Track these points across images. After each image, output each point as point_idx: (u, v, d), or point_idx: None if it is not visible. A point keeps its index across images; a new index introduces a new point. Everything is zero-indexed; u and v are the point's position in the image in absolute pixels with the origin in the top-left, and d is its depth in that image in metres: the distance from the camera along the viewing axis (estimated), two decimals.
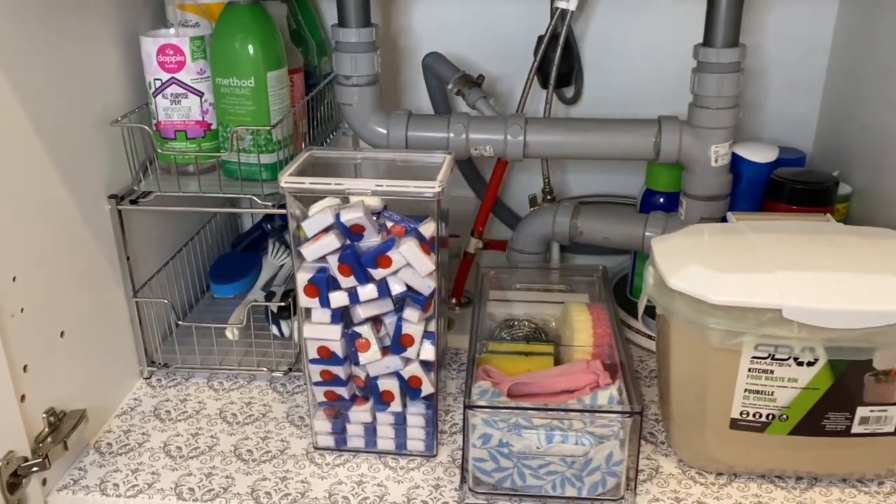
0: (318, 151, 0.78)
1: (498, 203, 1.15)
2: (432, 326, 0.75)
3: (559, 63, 0.99)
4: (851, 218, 0.97)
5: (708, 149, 0.86)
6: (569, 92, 1.09)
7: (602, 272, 0.95)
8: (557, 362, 0.85)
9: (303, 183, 0.69)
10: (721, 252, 0.73)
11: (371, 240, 0.72)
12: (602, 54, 1.09)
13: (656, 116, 0.89)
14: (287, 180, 0.70)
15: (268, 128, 0.82)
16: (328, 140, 1.05)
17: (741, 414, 0.71)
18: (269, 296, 0.97)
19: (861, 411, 0.70)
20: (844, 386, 0.69)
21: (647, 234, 0.94)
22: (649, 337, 0.97)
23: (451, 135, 0.89)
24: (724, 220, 0.86)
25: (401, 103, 1.14)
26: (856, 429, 0.71)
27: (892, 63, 0.89)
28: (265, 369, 0.93)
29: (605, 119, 0.90)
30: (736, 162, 0.90)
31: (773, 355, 0.68)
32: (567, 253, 1.17)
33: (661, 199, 0.99)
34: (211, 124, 0.87)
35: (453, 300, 1.10)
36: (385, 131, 0.90)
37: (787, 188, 0.89)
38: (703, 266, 0.70)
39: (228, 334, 0.94)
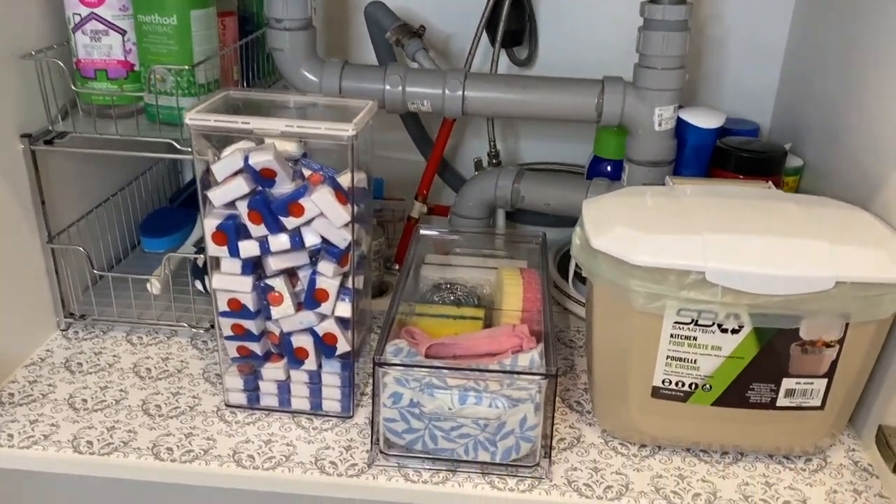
0: (235, 92, 0.74)
1: (446, 167, 1.12)
2: (350, 282, 0.72)
3: (507, 20, 0.95)
4: (801, 191, 0.94)
5: (652, 111, 0.83)
6: (522, 53, 1.05)
7: (542, 239, 0.92)
8: (488, 327, 0.82)
9: (208, 120, 0.66)
10: (650, 214, 0.70)
11: (284, 186, 0.69)
12: (559, 15, 1.05)
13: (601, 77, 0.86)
14: (192, 117, 0.66)
15: (187, 66, 0.78)
16: None
17: (663, 382, 0.69)
18: (201, 252, 0.93)
19: (787, 383, 0.67)
20: (770, 356, 0.66)
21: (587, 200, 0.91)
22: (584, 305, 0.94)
23: (387, 87, 0.86)
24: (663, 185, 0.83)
25: (350, 58, 1.10)
26: (781, 401, 0.68)
27: (852, 34, 0.86)
28: (186, 325, 0.89)
29: (546, 77, 0.87)
30: (681, 127, 0.87)
31: (697, 321, 0.65)
32: (518, 223, 1.14)
33: (608, 167, 0.96)
34: (134, 65, 0.83)
35: (396, 266, 1.07)
36: (317, 80, 0.86)
37: (733, 156, 0.86)
38: (629, 227, 0.67)
39: (149, 287, 0.90)
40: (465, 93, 0.85)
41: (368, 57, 1.05)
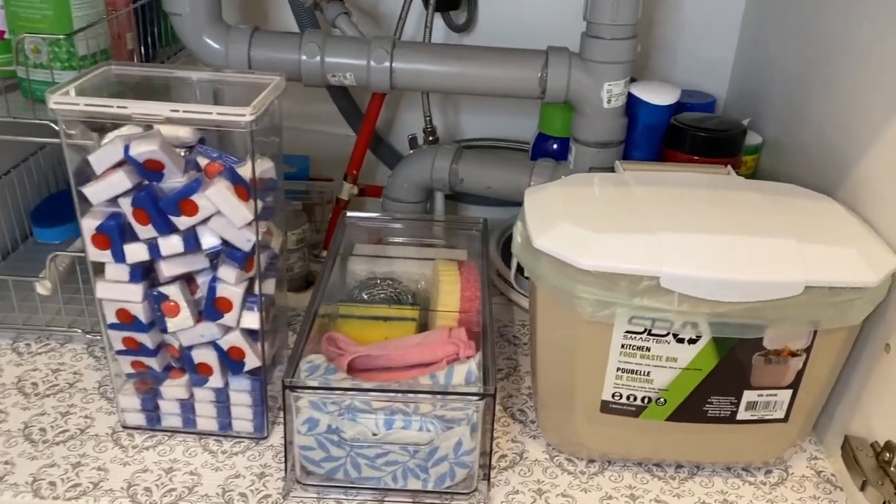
0: (118, 67, 0.63)
1: (380, 143, 1.02)
2: (257, 288, 0.63)
3: None
4: (761, 171, 0.87)
5: (600, 87, 0.75)
6: (459, 17, 0.95)
7: (482, 225, 0.83)
8: (423, 330, 0.73)
9: (76, 104, 0.55)
10: (599, 208, 0.62)
11: (175, 180, 0.59)
12: None
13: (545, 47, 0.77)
14: (56, 100, 0.55)
15: (61, 36, 0.67)
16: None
17: (613, 396, 0.61)
18: None
19: (748, 395, 0.61)
20: (730, 367, 0.59)
21: (531, 183, 0.82)
22: None
23: (304, 57, 0.75)
24: (612, 170, 0.75)
25: (267, 25, 0.99)
26: (742, 415, 0.61)
27: (811, 2, 0.79)
28: (79, 330, 0.78)
29: (484, 48, 0.77)
30: (632, 103, 0.78)
31: (650, 330, 0.58)
32: (459, 202, 1.05)
33: (555, 146, 0.88)
34: (3, 31, 0.71)
35: (325, 253, 0.98)
36: (222, 49, 0.75)
37: (689, 135, 0.78)
38: (575, 224, 0.58)
39: (40, 289, 0.79)
40: (394, 64, 0.75)
41: (289, 24, 0.94)
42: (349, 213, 0.84)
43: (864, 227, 0.61)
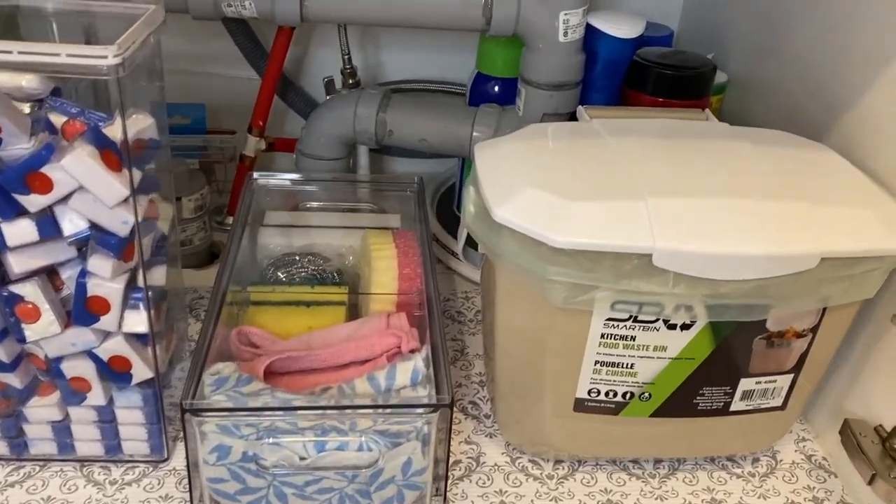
0: None
1: (289, 87, 0.87)
2: (142, 280, 0.49)
3: None
4: (725, 113, 0.78)
5: (555, 17, 0.62)
6: None
7: (417, 185, 0.71)
8: (354, 315, 0.62)
9: None
10: (570, 168, 0.50)
11: (18, 146, 0.44)
12: None
13: None
14: None
15: None
16: None
17: (590, 393, 0.52)
18: None
19: (745, 384, 0.52)
20: (727, 354, 0.50)
21: (475, 134, 0.70)
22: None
23: None
24: (573, 117, 0.64)
25: None
26: (736, 405, 0.53)
27: None
28: None
29: None
30: (591, 37, 0.67)
31: (636, 317, 0.48)
32: (387, 156, 0.92)
33: (496, 88, 0.76)
34: None
35: (229, 220, 0.83)
36: None
37: (653, 74, 0.68)
38: (544, 189, 0.47)
39: None
40: None
41: None
42: (256, 175, 0.70)
43: (870, 181, 0.52)
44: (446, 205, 0.87)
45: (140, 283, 0.49)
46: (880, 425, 0.54)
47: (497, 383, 0.57)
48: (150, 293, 0.49)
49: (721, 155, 0.52)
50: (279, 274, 0.65)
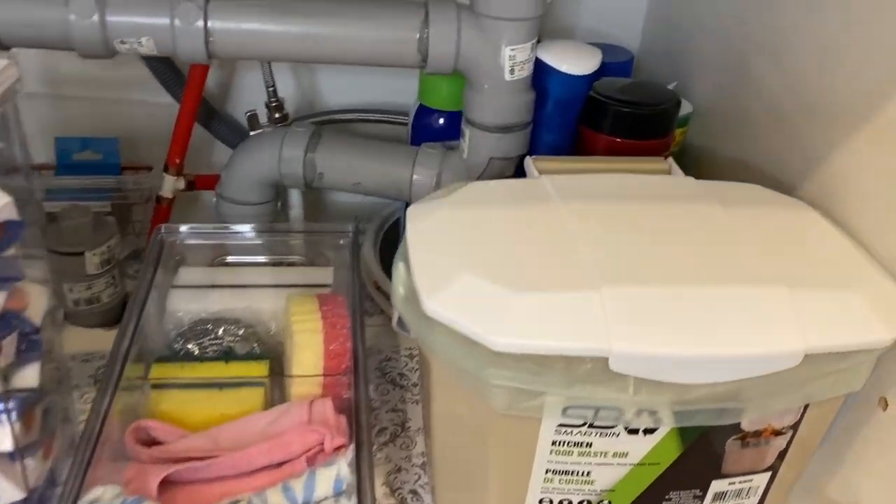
0: None
1: (213, 116, 0.78)
2: (7, 388, 0.41)
3: None
4: (690, 147, 0.72)
5: (500, 53, 0.55)
6: None
7: (352, 234, 0.63)
8: (275, 397, 0.54)
9: None
10: (513, 244, 0.43)
11: None
12: None
13: None
14: None
15: None
16: None
17: (541, 503, 0.45)
18: None
19: (717, 486, 0.45)
20: (697, 457, 0.43)
21: (415, 177, 0.63)
22: None
23: (73, 17, 0.51)
24: (520, 168, 0.56)
25: None
26: None
27: None
28: None
29: None
30: (542, 73, 0.59)
31: (592, 423, 0.41)
32: (327, 189, 0.84)
33: (441, 121, 0.68)
34: None
35: None
36: None
37: (611, 112, 0.61)
38: (482, 275, 0.40)
39: None
40: (210, 24, 0.53)
41: None
42: (166, 227, 0.62)
43: (855, 249, 0.45)
44: (392, 241, 0.80)
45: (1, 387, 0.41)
46: None
47: (436, 477, 0.50)
48: (14, 404, 0.41)
49: (687, 225, 0.45)
50: (189, 347, 0.57)
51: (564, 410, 0.40)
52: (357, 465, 0.44)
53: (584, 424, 0.41)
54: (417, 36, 0.55)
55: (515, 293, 0.39)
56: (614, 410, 0.40)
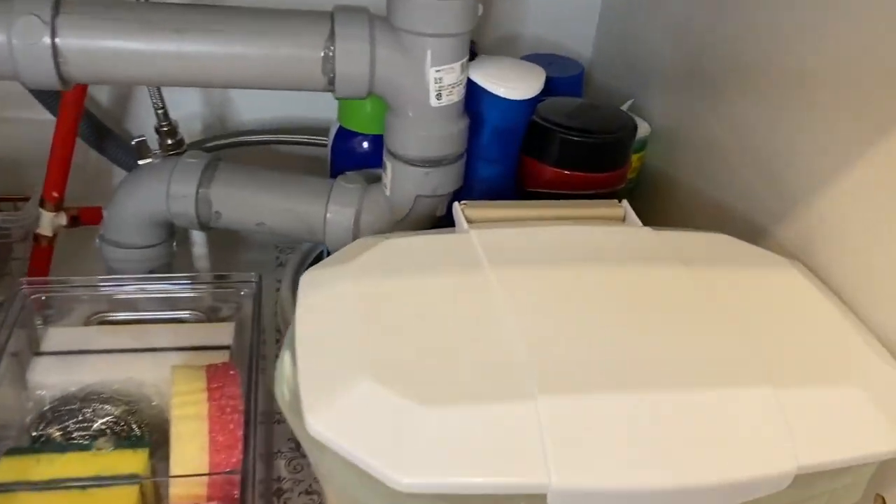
0: None
1: (108, 137, 0.67)
2: None
3: None
4: (648, 173, 0.63)
5: (423, 73, 0.46)
6: None
7: (255, 285, 0.53)
8: (161, 495, 0.44)
9: None
10: (427, 331, 0.34)
11: None
12: None
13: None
14: None
15: None
16: None
17: None
18: None
19: None
20: None
21: (329, 216, 0.53)
22: None
23: None
24: (447, 217, 0.47)
25: None
26: None
27: None
28: None
29: (224, 8, 0.45)
30: (476, 97, 0.50)
31: None
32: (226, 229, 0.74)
33: (366, 145, 0.59)
34: None
35: None
36: None
37: (558, 141, 0.52)
38: (385, 383, 0.31)
39: None
40: (59, 41, 0.42)
41: None
42: (27, 281, 0.51)
43: (846, 318, 0.37)
44: None
45: None
46: None
47: None
48: None
49: (646, 297, 0.37)
50: (51, 430, 0.47)
51: None
52: None
53: None
54: (322, 54, 0.45)
55: (427, 408, 0.30)
56: None
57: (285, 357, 0.35)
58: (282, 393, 0.34)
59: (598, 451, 0.29)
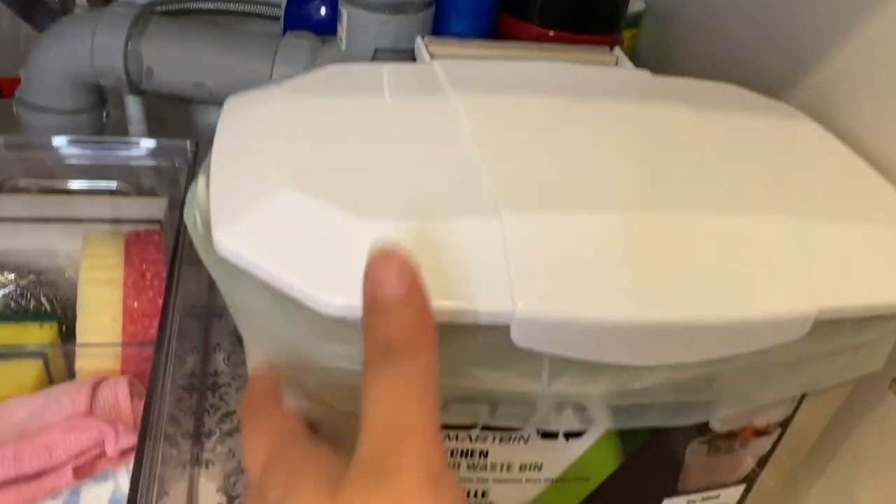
0: None
1: (34, 2, 0.60)
2: None
3: None
4: (641, 55, 0.57)
5: None
6: None
7: (192, 154, 0.47)
8: (63, 372, 0.38)
9: None
10: (371, 149, 0.28)
11: None
12: None
13: None
14: None
15: None
16: None
17: None
18: None
19: None
20: (643, 469, 0.30)
21: (275, 76, 0.47)
22: None
23: None
24: (411, 52, 0.41)
25: None
26: None
27: None
28: None
29: None
30: None
31: (487, 424, 0.27)
32: (160, 92, 0.66)
33: (322, 10, 0.52)
34: None
35: None
36: None
37: None
38: (311, 192, 0.24)
39: None
40: None
41: None
42: None
43: (872, 170, 0.32)
44: None
45: None
46: None
47: None
48: None
49: (640, 130, 0.30)
50: None
51: (445, 405, 0.25)
52: (135, 476, 0.29)
53: (474, 426, 0.27)
54: None
55: (362, 219, 0.24)
56: (522, 406, 0.26)
57: (199, 182, 0.28)
58: (193, 221, 0.28)
59: (574, 277, 0.23)
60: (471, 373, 0.24)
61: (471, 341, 0.23)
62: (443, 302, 0.23)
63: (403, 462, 0.18)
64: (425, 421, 0.19)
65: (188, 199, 0.28)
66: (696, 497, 0.32)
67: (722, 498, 0.32)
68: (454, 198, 0.25)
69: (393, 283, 0.20)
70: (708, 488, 0.32)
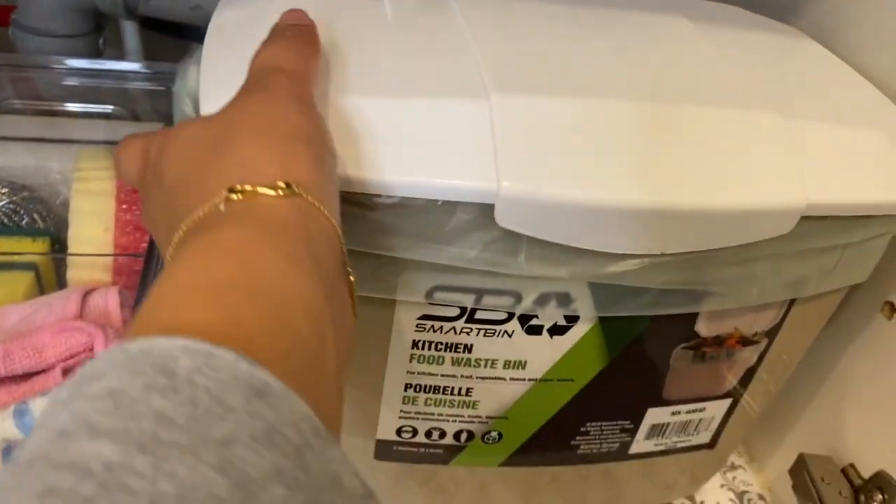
0: None
1: None
2: None
3: None
4: None
5: None
6: None
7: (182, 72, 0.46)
8: (54, 285, 0.39)
9: None
10: (359, 38, 0.28)
11: None
12: None
13: None
14: None
15: None
16: None
17: (400, 433, 0.30)
18: None
19: (654, 415, 0.32)
20: (628, 372, 0.30)
21: None
22: None
23: None
24: None
25: None
26: (639, 446, 0.33)
27: None
28: None
29: None
30: None
31: (473, 312, 0.27)
32: (158, 17, 0.65)
33: None
34: None
35: None
36: None
37: None
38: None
39: None
40: None
41: None
42: None
43: (869, 85, 0.31)
44: None
45: None
46: (851, 465, 0.35)
47: None
48: None
49: (636, 34, 0.30)
50: None
51: (429, 292, 0.26)
52: None
53: (459, 317, 0.27)
54: None
55: (351, 97, 0.23)
56: (506, 295, 0.26)
57: (189, 71, 0.28)
58: (181, 111, 0.28)
59: (560, 161, 0.23)
60: (455, 255, 0.24)
61: (458, 221, 0.23)
62: (430, 178, 0.23)
63: (276, 83, 0.21)
64: (300, 65, 0.22)
65: (177, 87, 0.28)
66: (681, 409, 0.32)
67: (706, 412, 0.32)
68: (446, 80, 0.25)
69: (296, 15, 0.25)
70: (693, 400, 0.32)
